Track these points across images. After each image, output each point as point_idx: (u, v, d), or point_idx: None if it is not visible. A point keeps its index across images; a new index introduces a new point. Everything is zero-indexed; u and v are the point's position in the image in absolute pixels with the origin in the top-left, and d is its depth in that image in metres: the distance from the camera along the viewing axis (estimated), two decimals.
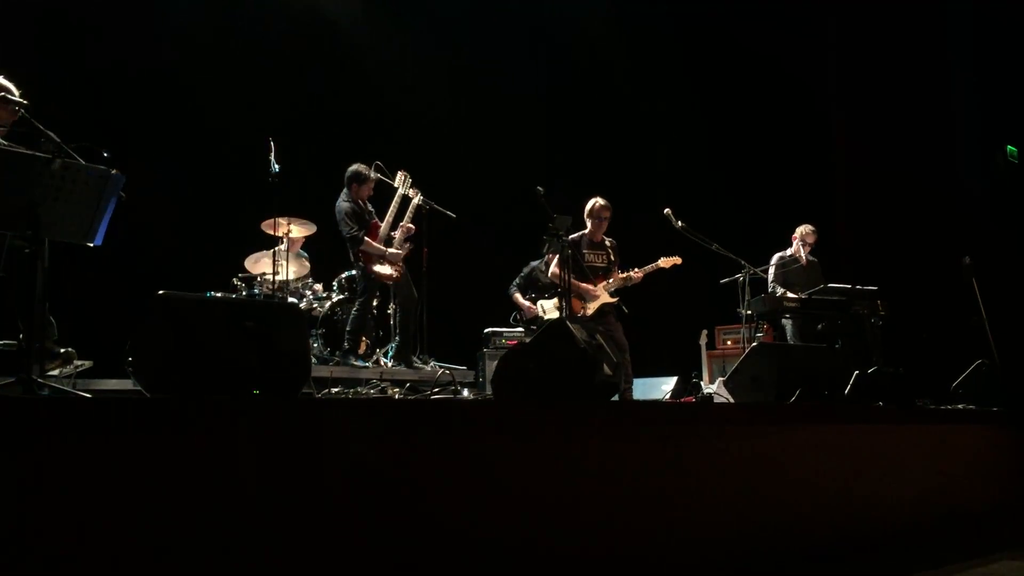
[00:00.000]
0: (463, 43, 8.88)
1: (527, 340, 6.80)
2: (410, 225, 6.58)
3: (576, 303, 6.01)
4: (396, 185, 6.61)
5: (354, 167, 6.51)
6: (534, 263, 7.26)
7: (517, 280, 7.32)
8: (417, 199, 6.64)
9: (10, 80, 3.76)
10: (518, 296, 7.25)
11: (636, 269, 6.27)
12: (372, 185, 6.56)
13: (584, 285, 6.10)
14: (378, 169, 6.59)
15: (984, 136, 9.55)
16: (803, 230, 7.02)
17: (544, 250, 6.93)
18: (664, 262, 6.30)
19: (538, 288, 7.17)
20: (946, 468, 4.73)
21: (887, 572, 3.68)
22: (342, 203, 6.44)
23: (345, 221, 6.37)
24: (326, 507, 2.33)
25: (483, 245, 8.30)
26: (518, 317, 7.29)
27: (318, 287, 7.00)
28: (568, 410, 3.03)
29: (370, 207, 6.59)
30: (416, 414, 2.69)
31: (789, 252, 7.06)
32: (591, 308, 6.06)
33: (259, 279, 6.64)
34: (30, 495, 1.91)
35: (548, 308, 6.84)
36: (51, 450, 1.96)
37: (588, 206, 6.32)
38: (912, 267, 8.44)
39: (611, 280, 6.19)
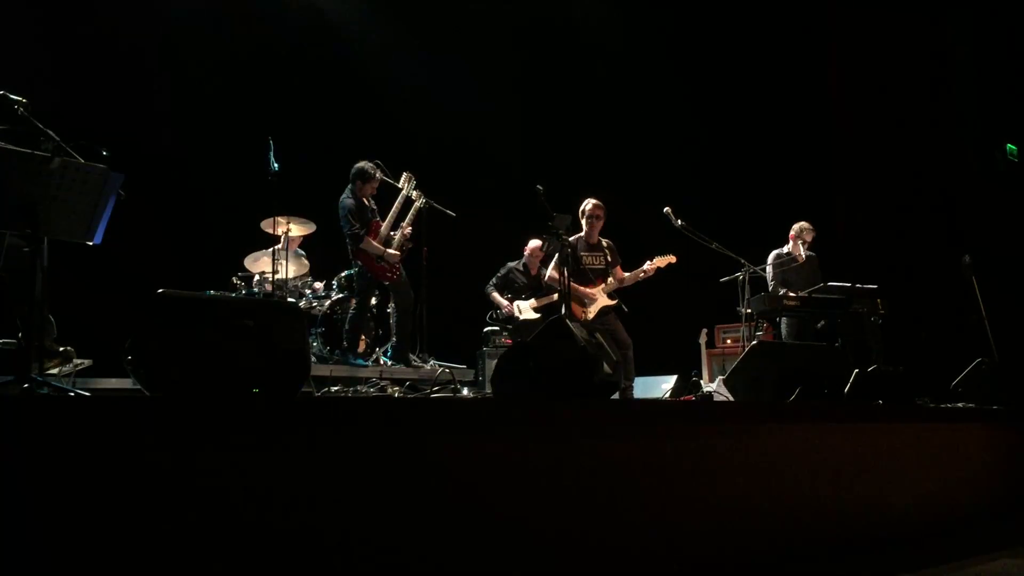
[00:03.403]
0: (462, 41, 8.86)
1: (510, 339, 6.92)
2: (408, 229, 6.56)
3: (576, 309, 5.98)
4: (400, 187, 6.59)
5: (359, 165, 6.48)
6: (511, 264, 7.42)
7: (494, 280, 7.44)
8: (420, 202, 6.61)
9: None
10: (496, 295, 7.34)
11: (642, 271, 6.21)
12: (376, 184, 6.54)
13: (583, 289, 6.06)
14: (379, 168, 6.58)
15: (984, 134, 9.54)
16: (800, 227, 7.00)
17: (544, 249, 6.95)
18: (660, 261, 6.23)
19: (514, 289, 7.28)
20: (946, 466, 4.73)
21: (887, 570, 3.68)
22: (346, 199, 6.41)
23: (348, 218, 6.35)
24: (325, 505, 2.33)
25: (483, 244, 8.30)
26: (494, 315, 7.33)
27: (318, 285, 6.99)
28: (568, 408, 3.03)
29: (373, 205, 6.57)
30: (415, 412, 2.69)
31: (786, 249, 7.04)
32: (591, 312, 6.04)
33: (259, 277, 6.64)
34: (27, 494, 1.91)
35: (524, 308, 6.99)
36: (49, 449, 1.95)
37: (581, 208, 6.28)
38: (912, 265, 8.44)
39: (610, 281, 6.15)
